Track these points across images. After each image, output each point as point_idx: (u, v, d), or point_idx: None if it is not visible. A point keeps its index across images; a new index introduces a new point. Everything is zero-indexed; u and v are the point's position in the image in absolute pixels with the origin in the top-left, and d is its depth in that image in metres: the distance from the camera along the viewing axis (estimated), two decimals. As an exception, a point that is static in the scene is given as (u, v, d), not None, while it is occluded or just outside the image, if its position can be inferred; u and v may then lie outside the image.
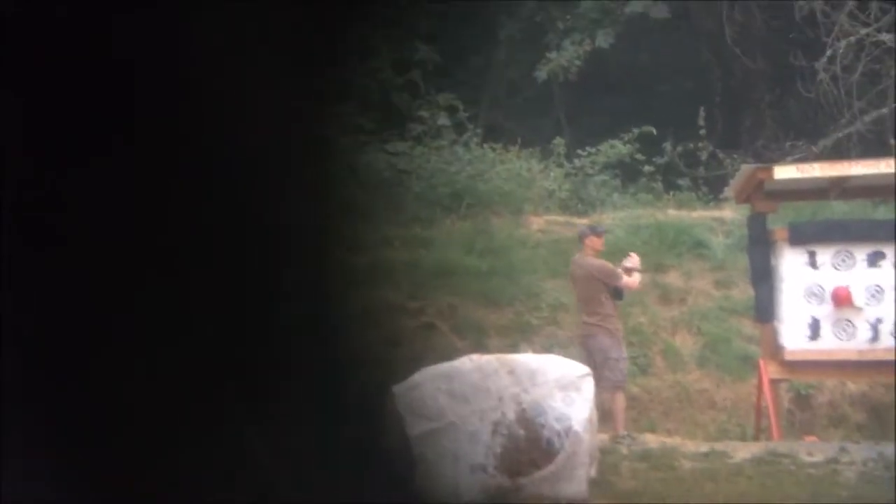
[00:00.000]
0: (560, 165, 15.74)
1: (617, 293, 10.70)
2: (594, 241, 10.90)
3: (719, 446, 9.67)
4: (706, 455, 9.35)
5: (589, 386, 8.52)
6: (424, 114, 15.95)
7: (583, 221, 14.29)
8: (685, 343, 12.53)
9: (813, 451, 9.48)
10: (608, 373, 10.34)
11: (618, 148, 15.78)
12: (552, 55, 17.43)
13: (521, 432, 8.13)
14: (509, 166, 15.30)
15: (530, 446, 8.11)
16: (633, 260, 10.88)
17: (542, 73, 17.39)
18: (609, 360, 10.39)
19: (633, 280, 10.77)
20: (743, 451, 9.45)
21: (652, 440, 10.14)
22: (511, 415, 8.12)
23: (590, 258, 10.77)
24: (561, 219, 14.60)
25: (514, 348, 11.27)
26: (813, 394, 11.94)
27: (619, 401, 10.42)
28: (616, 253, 11.32)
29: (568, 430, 8.15)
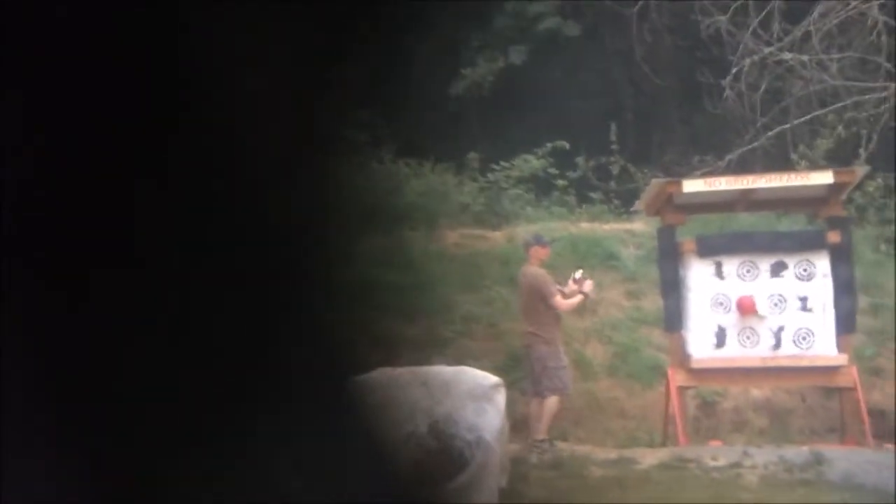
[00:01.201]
0: (474, 180, 15.83)
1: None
2: (539, 251, 10.89)
3: (628, 453, 9.78)
4: (615, 462, 9.45)
5: (501, 396, 8.57)
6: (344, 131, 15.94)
7: (496, 235, 14.37)
8: (596, 352, 12.65)
9: (717, 455, 9.62)
10: (546, 381, 10.38)
11: (531, 162, 15.90)
12: (466, 71, 17.52)
13: (434, 443, 8.16)
14: (424, 181, 15.36)
15: (442, 458, 8.15)
16: (587, 284, 10.82)
17: (456, 90, 17.47)
18: (547, 369, 10.43)
19: (567, 303, 10.69)
20: (651, 458, 9.57)
21: (563, 448, 10.24)
22: (423, 427, 8.15)
23: (534, 269, 10.77)
24: (475, 232, 14.68)
25: (427, 361, 11.31)
26: (718, 400, 12.11)
27: (550, 405, 10.40)
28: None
29: (479, 441, 8.19)
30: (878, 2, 15.17)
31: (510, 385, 9.07)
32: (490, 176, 15.91)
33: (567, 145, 15.95)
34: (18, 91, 2.25)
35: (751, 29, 15.43)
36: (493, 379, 8.77)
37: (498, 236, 14.48)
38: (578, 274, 10.93)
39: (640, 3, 17.09)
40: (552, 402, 10.42)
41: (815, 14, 15.40)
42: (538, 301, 10.53)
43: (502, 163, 15.98)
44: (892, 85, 15.34)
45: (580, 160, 16.36)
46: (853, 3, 15.48)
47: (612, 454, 9.74)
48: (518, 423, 9.99)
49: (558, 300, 10.60)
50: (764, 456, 9.38)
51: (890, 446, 10.80)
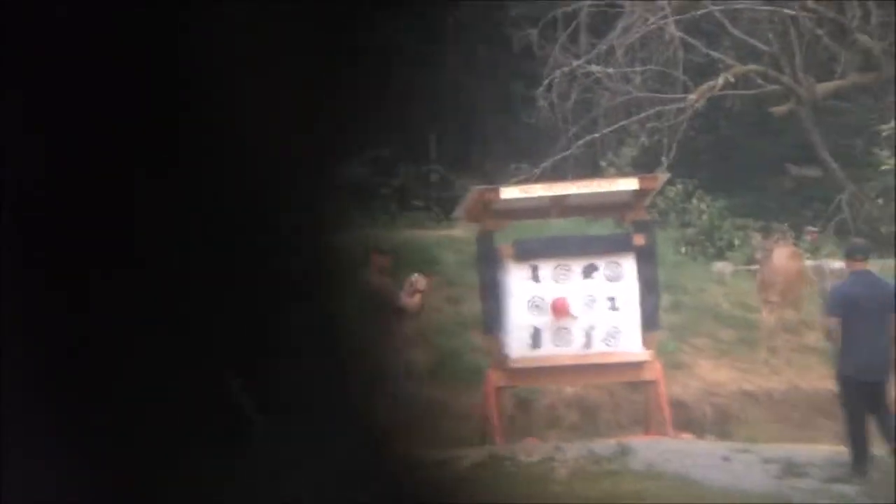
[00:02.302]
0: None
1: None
2: (379, 259, 11.13)
3: (451, 454, 10.10)
4: (440, 463, 9.75)
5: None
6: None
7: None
8: (419, 356, 12.98)
9: (531, 451, 10.05)
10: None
11: (355, 171, 16.18)
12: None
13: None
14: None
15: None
16: (421, 282, 11.15)
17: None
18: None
19: (415, 301, 11.04)
20: (472, 457, 9.91)
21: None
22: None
23: (374, 277, 11.00)
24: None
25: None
26: (534, 398, 12.56)
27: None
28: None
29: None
30: (673, 18, 15.94)
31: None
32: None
33: (388, 154, 16.29)
34: (18, 91, 2.39)
35: (559, 42, 16.03)
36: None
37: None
38: (414, 277, 11.25)
39: (456, 14, 17.57)
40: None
41: (619, 29, 16.08)
42: (380, 309, 10.77)
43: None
44: (689, 97, 16.13)
45: (401, 169, 16.73)
46: (652, 20, 16.22)
47: (437, 455, 10.05)
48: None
49: (407, 301, 10.91)
50: (574, 450, 9.84)
51: (688, 435, 11.44)
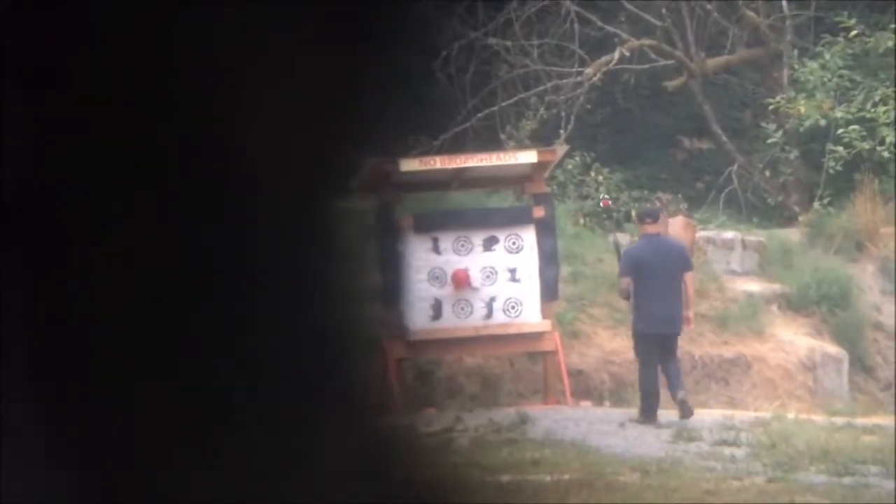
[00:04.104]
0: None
1: None
2: None
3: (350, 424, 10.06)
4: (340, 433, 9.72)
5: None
6: None
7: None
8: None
9: (431, 421, 10.06)
10: None
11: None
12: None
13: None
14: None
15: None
16: None
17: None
18: None
19: None
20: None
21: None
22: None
23: None
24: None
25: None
26: (433, 369, 12.57)
27: None
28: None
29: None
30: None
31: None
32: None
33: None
34: (18, 90, 2.25)
35: (456, 14, 15.94)
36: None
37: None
38: None
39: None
40: None
41: (515, 2, 16.05)
42: None
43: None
44: (586, 70, 16.16)
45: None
46: (548, -7, 16.23)
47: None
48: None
49: None
50: (475, 420, 9.88)
51: (586, 403, 11.53)
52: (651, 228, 11.08)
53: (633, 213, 13.35)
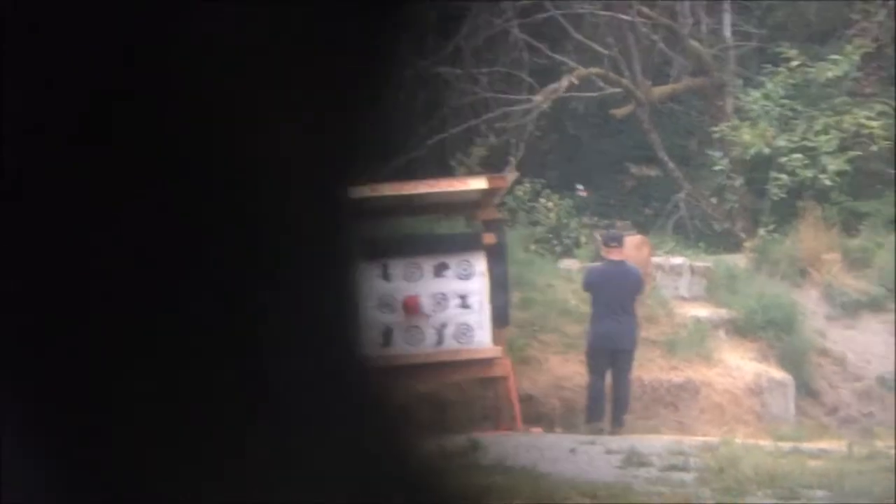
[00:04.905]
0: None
1: None
2: None
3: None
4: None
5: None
6: None
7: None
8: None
9: (383, 448, 10.01)
10: None
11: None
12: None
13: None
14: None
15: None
16: None
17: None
18: None
19: None
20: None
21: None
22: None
23: None
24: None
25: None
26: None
27: None
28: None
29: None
30: (517, 21, 16.04)
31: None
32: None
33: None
34: (18, 90, 2.20)
35: (405, 42, 15.96)
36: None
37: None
38: None
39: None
40: None
41: (465, 30, 16.11)
42: None
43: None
44: (535, 98, 16.25)
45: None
46: (497, 22, 16.30)
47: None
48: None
49: None
50: (424, 447, 9.83)
51: (537, 429, 11.54)
52: (615, 254, 11.74)
53: (598, 236, 13.64)
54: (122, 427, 2.29)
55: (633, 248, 12.92)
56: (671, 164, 16.94)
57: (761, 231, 15.77)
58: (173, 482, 2.32)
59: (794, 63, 16.45)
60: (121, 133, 2.22)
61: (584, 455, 10.19)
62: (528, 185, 15.27)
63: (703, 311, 13.93)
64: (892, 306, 14.21)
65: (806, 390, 13.59)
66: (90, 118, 2.24)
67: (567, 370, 12.43)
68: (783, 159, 15.99)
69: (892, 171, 16.03)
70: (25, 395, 2.23)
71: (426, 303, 11.66)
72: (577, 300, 12.90)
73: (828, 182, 15.81)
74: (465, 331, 11.70)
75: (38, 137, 2.21)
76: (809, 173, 15.86)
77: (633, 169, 17.27)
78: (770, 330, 13.74)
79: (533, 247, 14.55)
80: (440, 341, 11.63)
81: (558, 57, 16.65)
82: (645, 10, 16.93)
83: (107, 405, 2.29)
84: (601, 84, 16.76)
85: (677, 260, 14.60)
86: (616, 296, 11.60)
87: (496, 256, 11.88)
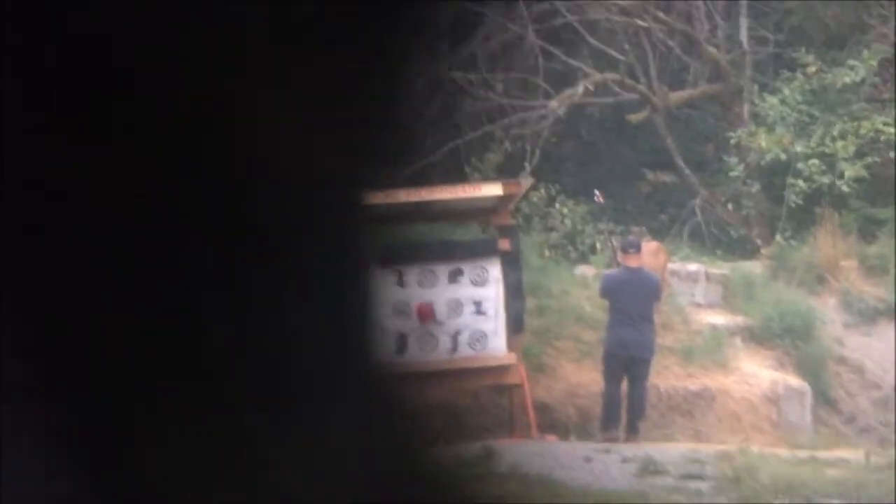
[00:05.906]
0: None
1: None
2: None
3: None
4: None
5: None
6: None
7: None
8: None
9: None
10: None
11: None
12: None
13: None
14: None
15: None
16: None
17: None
18: None
19: None
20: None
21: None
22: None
23: None
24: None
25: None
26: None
27: None
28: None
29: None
30: (532, 27, 16.03)
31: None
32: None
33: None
34: (18, 90, 2.20)
35: (420, 47, 15.97)
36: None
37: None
38: None
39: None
40: None
41: (480, 36, 16.10)
42: None
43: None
44: (551, 103, 16.23)
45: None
46: (512, 28, 16.29)
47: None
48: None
49: None
50: (439, 455, 9.80)
51: (552, 437, 11.50)
52: (633, 261, 11.71)
53: (616, 243, 13.61)
54: (129, 427, 2.28)
55: (649, 254, 12.89)
56: (687, 170, 16.89)
57: (778, 237, 15.70)
58: (184, 483, 2.31)
59: (811, 68, 16.40)
60: (133, 131, 2.21)
61: (600, 463, 10.15)
62: (543, 191, 15.24)
63: (719, 319, 13.87)
64: (910, 314, 14.14)
65: (823, 398, 13.52)
66: (97, 118, 2.23)
67: (582, 378, 12.38)
68: (800, 165, 15.93)
69: (910, 178, 15.96)
70: (27, 394, 2.22)
71: (440, 309, 11.62)
72: (593, 307, 12.86)
73: (845, 188, 15.74)
74: (479, 338, 11.66)
75: (38, 137, 2.20)
76: (826, 179, 15.79)
77: (649, 175, 17.22)
78: (787, 337, 13.67)
79: (548, 253, 14.52)
80: (455, 348, 11.59)
81: (574, 62, 16.63)
82: (661, 15, 16.90)
83: (112, 405, 2.28)
84: (617, 90, 16.72)
85: (693, 267, 14.54)
86: (634, 303, 11.53)
87: (511, 263, 11.85)
